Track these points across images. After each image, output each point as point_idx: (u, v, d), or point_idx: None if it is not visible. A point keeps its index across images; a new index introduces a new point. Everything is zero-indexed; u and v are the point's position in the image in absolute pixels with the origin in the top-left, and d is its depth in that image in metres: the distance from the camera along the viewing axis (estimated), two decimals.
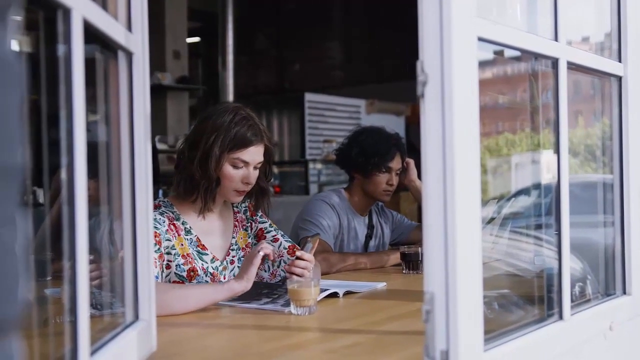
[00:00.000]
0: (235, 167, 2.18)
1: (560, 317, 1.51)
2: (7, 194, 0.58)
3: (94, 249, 1.14)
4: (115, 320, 1.38)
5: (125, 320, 1.35)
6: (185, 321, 1.84)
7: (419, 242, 2.96)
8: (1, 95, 0.58)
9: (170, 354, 1.49)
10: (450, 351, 1.16)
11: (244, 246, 2.35)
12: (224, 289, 1.94)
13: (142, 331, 1.35)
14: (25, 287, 0.62)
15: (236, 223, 2.36)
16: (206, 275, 2.20)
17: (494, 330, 1.33)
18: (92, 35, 1.12)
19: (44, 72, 1.05)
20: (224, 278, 2.24)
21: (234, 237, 2.33)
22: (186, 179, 2.19)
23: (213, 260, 2.23)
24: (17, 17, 0.62)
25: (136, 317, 1.37)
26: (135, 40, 1.36)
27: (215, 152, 2.14)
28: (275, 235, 2.38)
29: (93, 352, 1.10)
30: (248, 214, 2.40)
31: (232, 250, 2.31)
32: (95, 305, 1.37)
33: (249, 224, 2.39)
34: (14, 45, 0.62)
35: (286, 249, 2.34)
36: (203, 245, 2.23)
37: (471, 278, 1.19)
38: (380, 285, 2.34)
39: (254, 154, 2.20)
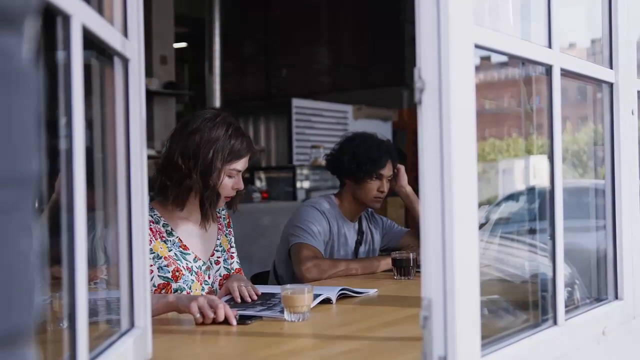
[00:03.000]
0: (229, 176, 2.26)
1: (555, 323, 1.52)
2: (24, 202, 0.58)
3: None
4: (110, 327, 1.37)
5: (121, 328, 1.34)
6: (180, 328, 1.83)
7: (409, 247, 2.96)
8: (18, 105, 0.58)
9: None
10: (448, 357, 1.16)
11: (227, 248, 2.43)
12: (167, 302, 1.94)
13: (138, 339, 1.34)
14: (39, 295, 0.61)
15: (220, 227, 2.43)
16: (191, 274, 2.24)
17: (490, 336, 1.33)
18: (89, 41, 1.12)
19: (41, 77, 1.04)
20: (209, 277, 2.31)
21: (218, 239, 2.40)
22: (185, 191, 2.23)
23: (195, 259, 2.28)
24: (32, 26, 0.62)
25: (132, 324, 1.36)
26: (132, 46, 1.36)
27: (217, 166, 2.21)
28: (234, 253, 2.48)
29: None
30: (225, 222, 2.49)
31: (217, 251, 2.38)
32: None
33: (228, 231, 2.49)
34: (30, 54, 0.62)
35: (232, 270, 2.43)
36: (185, 245, 2.27)
37: (469, 284, 1.20)
38: (373, 292, 2.34)
39: (245, 162, 2.31)
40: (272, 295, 2.18)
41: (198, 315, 1.81)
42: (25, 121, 0.59)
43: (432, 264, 1.17)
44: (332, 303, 2.11)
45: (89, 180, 1.29)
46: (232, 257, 2.46)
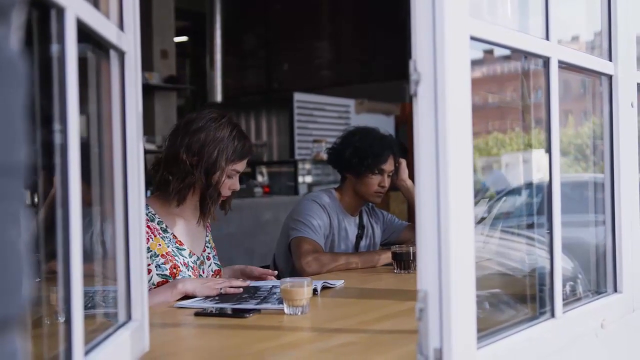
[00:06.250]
0: (229, 176, 2.30)
1: (552, 315, 1.52)
2: (12, 192, 0.59)
3: (84, 249, 1.14)
4: (107, 320, 1.37)
5: (118, 321, 1.35)
6: (177, 321, 1.83)
7: (409, 241, 2.96)
8: (7, 95, 0.59)
9: (163, 354, 1.48)
10: (444, 349, 1.16)
11: (214, 246, 2.49)
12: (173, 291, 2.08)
13: (135, 331, 1.34)
14: (28, 284, 0.62)
15: (208, 225, 2.47)
16: (188, 270, 2.28)
17: (487, 329, 1.33)
18: (84, 34, 1.12)
19: (35, 71, 1.04)
20: (203, 272, 2.36)
21: (207, 236, 2.45)
22: (186, 187, 2.26)
23: (190, 255, 2.32)
24: (20, 16, 0.63)
25: (129, 317, 1.37)
26: (127, 39, 1.35)
27: (221, 165, 2.25)
28: (214, 252, 2.50)
29: (87, 353, 1.09)
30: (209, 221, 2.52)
31: (207, 247, 2.43)
32: (87, 305, 1.36)
33: (211, 229, 2.53)
34: (17, 45, 0.62)
35: (212, 272, 2.44)
36: (180, 241, 2.31)
37: (464, 276, 1.20)
38: (340, 283, 2.35)
39: (245, 164, 2.36)
40: (257, 288, 2.18)
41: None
42: (12, 112, 0.59)
43: (427, 256, 1.17)
44: (317, 294, 2.12)
45: (86, 175, 1.29)
46: (208, 259, 2.47)
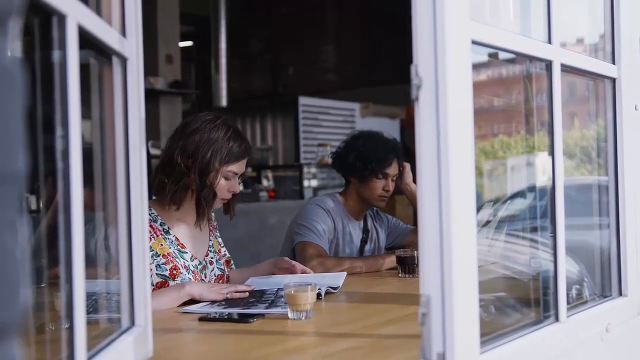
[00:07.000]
0: (226, 178, 2.30)
1: (557, 319, 1.51)
2: (9, 199, 0.59)
3: (89, 255, 1.14)
4: (111, 325, 1.37)
5: (121, 326, 1.35)
6: (181, 327, 1.83)
7: (414, 245, 2.96)
8: (4, 103, 0.59)
9: (166, 359, 1.48)
10: (447, 353, 1.16)
11: (218, 250, 2.47)
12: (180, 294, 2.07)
13: (138, 337, 1.35)
14: (26, 291, 0.62)
15: (211, 228, 2.48)
16: (188, 273, 2.28)
17: (491, 333, 1.33)
18: (86, 40, 1.12)
19: (38, 77, 1.05)
20: (205, 277, 2.35)
21: (210, 240, 2.44)
22: (182, 189, 2.26)
23: (192, 258, 2.32)
24: (17, 25, 0.63)
25: (132, 323, 1.37)
26: (130, 45, 1.36)
27: (215, 166, 2.25)
28: (225, 251, 2.53)
29: (89, 358, 1.10)
30: (215, 224, 2.53)
31: (211, 251, 2.43)
32: (89, 310, 1.36)
33: (217, 233, 2.53)
34: (15, 52, 0.62)
35: (215, 276, 2.43)
36: (182, 244, 2.31)
37: (467, 280, 1.20)
38: (342, 277, 2.37)
39: (243, 165, 2.35)
40: (262, 292, 2.18)
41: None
42: (10, 119, 0.59)
43: (430, 260, 1.17)
44: (321, 299, 2.11)
45: (90, 180, 1.30)
46: (221, 258, 2.48)
